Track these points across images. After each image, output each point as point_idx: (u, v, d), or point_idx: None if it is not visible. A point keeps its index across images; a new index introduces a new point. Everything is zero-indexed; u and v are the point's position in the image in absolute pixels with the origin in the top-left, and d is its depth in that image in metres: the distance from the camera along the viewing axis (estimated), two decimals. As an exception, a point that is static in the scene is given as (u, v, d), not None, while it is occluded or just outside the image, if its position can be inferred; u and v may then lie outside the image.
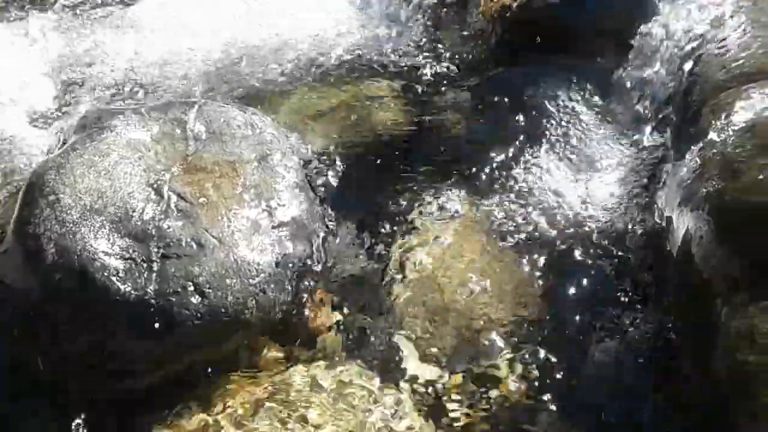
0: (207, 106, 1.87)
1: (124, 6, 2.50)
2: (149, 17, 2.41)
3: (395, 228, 1.79)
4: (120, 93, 2.10)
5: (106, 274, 1.49)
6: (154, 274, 1.52)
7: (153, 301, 1.49)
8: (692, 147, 1.49)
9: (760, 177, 1.29)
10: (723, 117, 1.45)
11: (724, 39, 1.71)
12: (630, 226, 1.66)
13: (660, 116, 1.76)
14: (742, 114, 1.43)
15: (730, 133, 1.41)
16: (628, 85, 1.90)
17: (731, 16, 1.79)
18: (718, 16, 1.82)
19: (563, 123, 1.94)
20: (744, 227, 1.27)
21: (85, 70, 2.19)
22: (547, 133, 1.93)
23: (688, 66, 1.72)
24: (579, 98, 1.96)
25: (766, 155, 1.33)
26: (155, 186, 1.65)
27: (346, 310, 1.66)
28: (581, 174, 1.83)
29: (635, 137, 1.84)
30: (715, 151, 1.41)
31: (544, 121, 1.94)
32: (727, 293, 1.23)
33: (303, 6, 2.40)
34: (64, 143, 1.77)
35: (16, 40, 2.34)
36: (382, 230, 1.79)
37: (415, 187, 1.87)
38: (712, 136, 1.44)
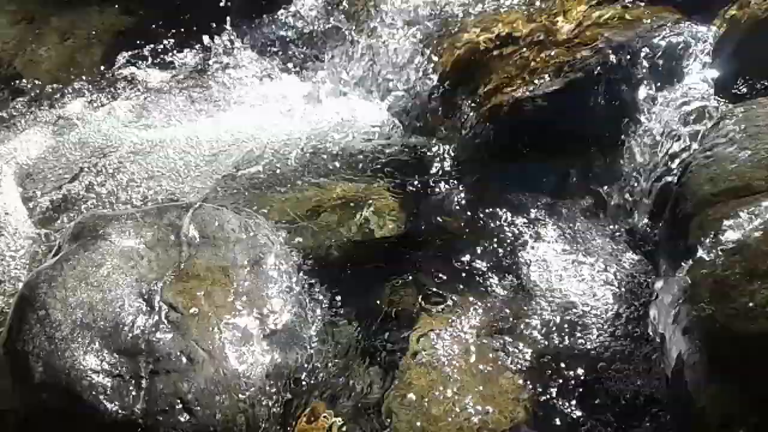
0: (202, 209, 1.88)
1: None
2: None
3: (391, 334, 1.78)
4: (118, 196, 2.12)
5: (93, 393, 1.48)
6: (143, 392, 1.51)
7: (141, 420, 1.47)
8: (682, 263, 1.49)
9: (750, 304, 1.29)
10: (711, 235, 1.46)
11: (711, 149, 1.73)
12: (623, 338, 1.65)
13: (648, 224, 1.76)
14: (730, 233, 1.43)
15: (719, 253, 1.41)
16: (617, 191, 1.92)
17: (719, 124, 1.82)
18: (706, 124, 1.85)
19: (553, 225, 1.96)
20: (736, 359, 1.26)
21: (80, 174, 2.23)
22: (537, 234, 1.95)
23: (675, 175, 1.73)
24: (569, 201, 1.98)
25: (755, 280, 1.33)
26: (147, 297, 1.65)
27: (341, 423, 1.63)
28: (571, 278, 1.83)
29: (625, 242, 1.85)
30: (704, 271, 1.41)
31: (535, 222, 1.96)
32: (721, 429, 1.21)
33: (299, 106, 2.46)
34: (58, 250, 1.78)
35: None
36: (378, 336, 1.78)
37: (410, 290, 1.87)
38: (701, 254, 1.44)
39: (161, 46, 2.90)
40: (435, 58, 2.42)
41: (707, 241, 1.46)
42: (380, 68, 2.52)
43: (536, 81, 2.09)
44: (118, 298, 1.62)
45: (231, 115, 2.48)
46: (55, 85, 2.78)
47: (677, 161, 1.81)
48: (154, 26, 2.96)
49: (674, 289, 1.47)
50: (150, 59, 2.84)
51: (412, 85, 2.44)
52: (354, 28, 2.62)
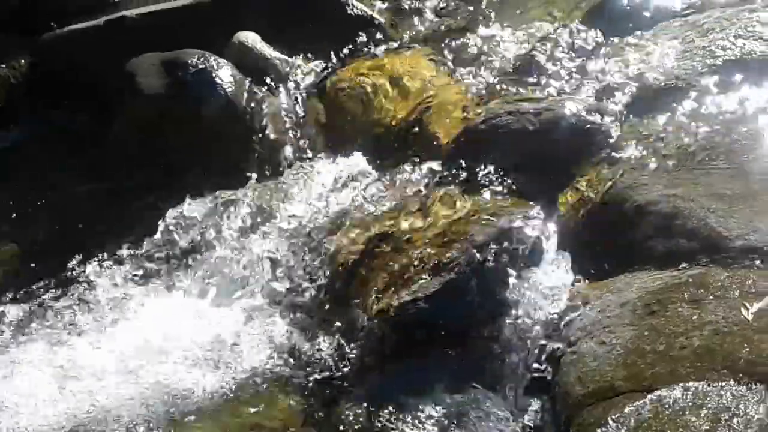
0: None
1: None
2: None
3: None
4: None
5: None
6: None
7: None
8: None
9: None
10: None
11: (575, 342, 1.98)
12: None
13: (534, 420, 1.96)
14: (604, 442, 1.64)
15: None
16: (500, 384, 2.11)
17: (578, 312, 2.08)
18: (567, 313, 2.11)
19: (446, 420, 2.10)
20: None
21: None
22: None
23: (551, 372, 1.95)
24: (460, 394, 2.14)
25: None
26: None
27: None
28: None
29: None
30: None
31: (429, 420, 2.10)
32: None
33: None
34: None
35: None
36: None
37: None
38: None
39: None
40: (321, 259, 2.59)
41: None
42: (268, 271, 2.65)
43: (416, 283, 2.29)
44: None
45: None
46: None
47: (547, 355, 2.03)
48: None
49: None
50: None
51: (302, 285, 2.58)
52: (236, 235, 2.75)
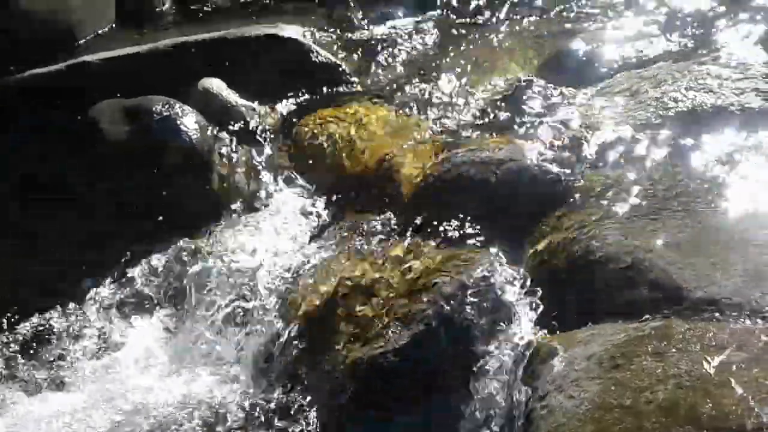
0: None
1: None
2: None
3: None
4: None
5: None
6: None
7: None
8: None
9: None
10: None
11: (545, 396, 2.00)
12: None
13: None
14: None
15: None
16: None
17: (547, 364, 2.11)
18: (537, 365, 2.13)
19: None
20: None
21: None
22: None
23: (522, 428, 1.97)
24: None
25: None
26: None
27: None
28: None
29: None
30: None
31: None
32: None
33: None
34: None
35: None
36: None
37: None
38: None
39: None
40: (285, 309, 2.57)
41: None
42: (230, 322, 2.62)
43: (385, 335, 2.29)
44: None
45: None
46: None
47: (518, 408, 2.05)
48: None
49: None
50: None
51: (266, 337, 2.55)
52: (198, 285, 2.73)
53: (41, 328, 2.80)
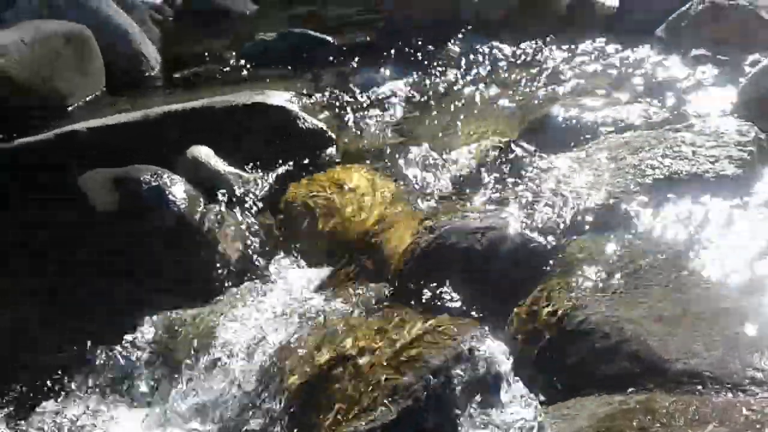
0: None
1: None
2: None
3: None
4: None
5: None
6: None
7: None
8: None
9: None
10: None
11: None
12: None
13: None
14: None
15: None
16: None
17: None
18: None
19: None
20: None
21: None
22: None
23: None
24: None
25: None
26: None
27: None
28: None
29: None
30: None
31: None
32: None
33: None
34: None
35: None
36: None
37: None
38: None
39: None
40: (274, 382, 2.57)
41: None
42: (219, 395, 2.61)
43: (373, 411, 2.29)
44: None
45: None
46: None
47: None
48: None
49: None
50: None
51: (253, 411, 2.54)
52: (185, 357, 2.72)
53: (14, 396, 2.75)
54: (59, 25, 4.22)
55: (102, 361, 2.85)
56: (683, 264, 2.53)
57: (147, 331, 2.88)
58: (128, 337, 2.89)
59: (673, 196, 2.84)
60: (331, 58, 4.72)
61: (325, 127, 3.73)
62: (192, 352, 2.76)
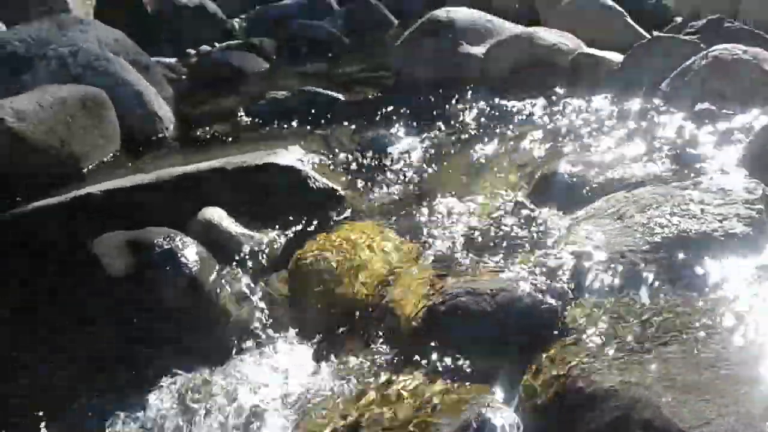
0: None
1: None
2: None
3: None
4: None
5: None
6: None
7: None
8: None
9: None
10: None
11: None
12: None
13: None
14: None
15: None
16: None
17: None
18: None
19: None
20: None
21: None
22: None
23: None
24: None
25: None
26: None
27: None
28: None
29: None
30: None
31: None
32: None
33: None
34: None
35: None
36: None
37: None
38: None
39: None
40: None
41: None
42: None
43: (384, 481, 2.28)
44: None
45: None
46: None
47: None
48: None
49: None
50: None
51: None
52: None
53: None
54: (75, 89, 4.35)
55: (112, 428, 2.85)
56: (695, 328, 2.51)
57: (159, 395, 2.89)
58: (138, 401, 2.90)
59: (683, 255, 2.84)
60: (342, 115, 4.81)
61: (335, 187, 3.79)
62: (203, 416, 2.76)
